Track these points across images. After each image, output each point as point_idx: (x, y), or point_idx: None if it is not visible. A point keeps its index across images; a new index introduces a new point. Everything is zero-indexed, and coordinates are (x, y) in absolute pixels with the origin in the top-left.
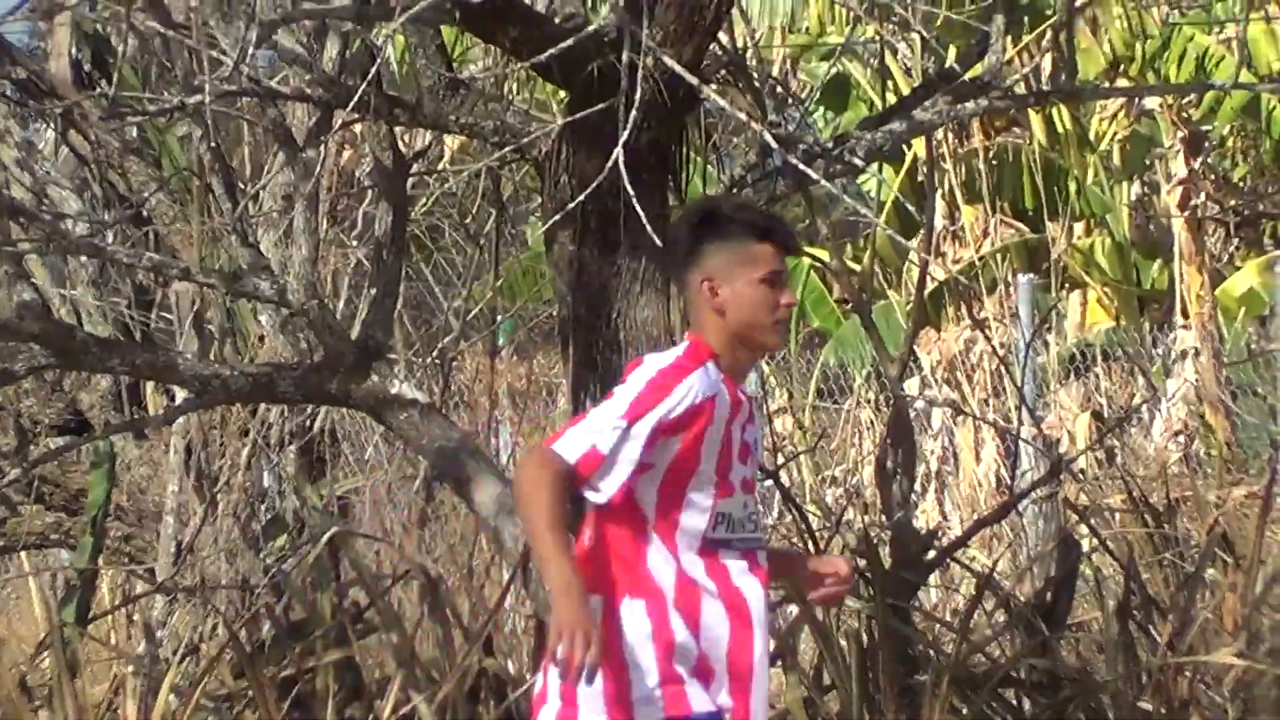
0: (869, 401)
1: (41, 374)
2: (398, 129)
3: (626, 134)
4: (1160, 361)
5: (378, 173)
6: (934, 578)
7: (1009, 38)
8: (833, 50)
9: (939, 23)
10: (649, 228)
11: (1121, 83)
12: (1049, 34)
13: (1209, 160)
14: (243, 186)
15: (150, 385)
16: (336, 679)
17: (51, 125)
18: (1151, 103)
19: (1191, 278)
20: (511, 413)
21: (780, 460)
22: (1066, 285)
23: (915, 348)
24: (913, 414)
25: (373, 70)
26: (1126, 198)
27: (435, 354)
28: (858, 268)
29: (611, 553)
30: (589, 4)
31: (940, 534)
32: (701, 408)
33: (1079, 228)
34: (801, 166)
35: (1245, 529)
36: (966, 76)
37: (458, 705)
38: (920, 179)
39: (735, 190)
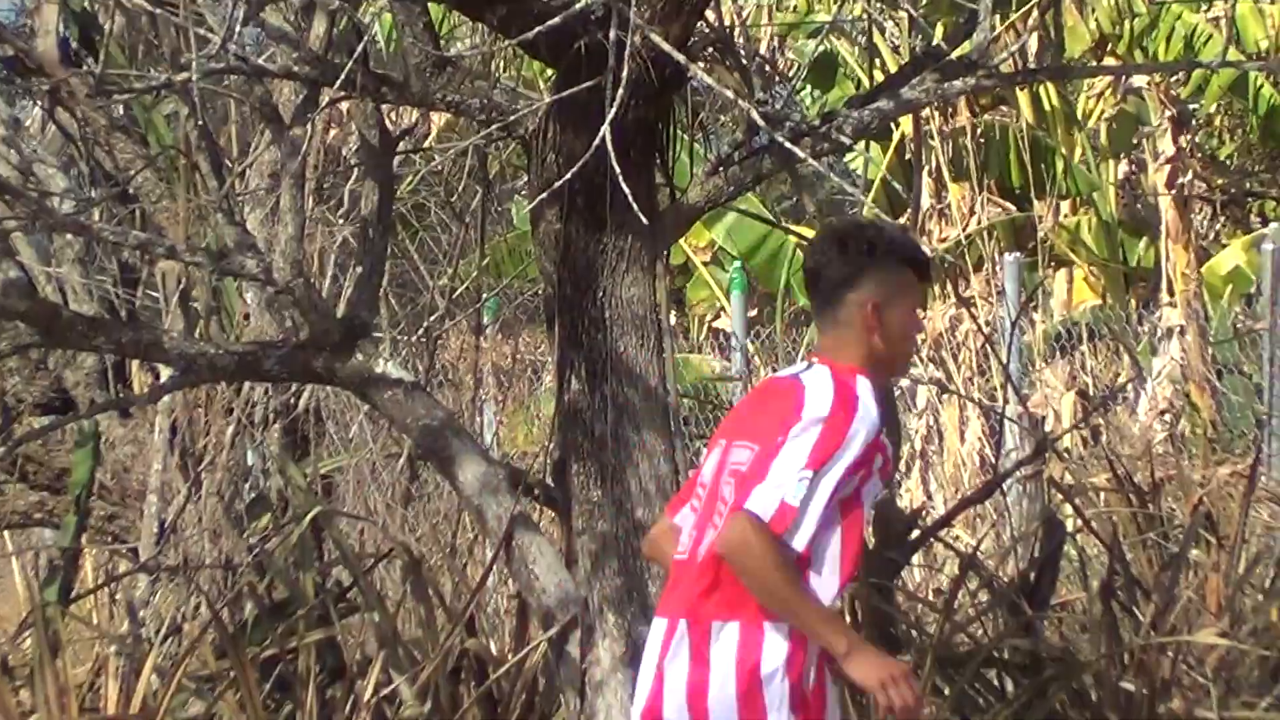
0: None
1: (26, 352)
2: (384, 107)
3: (614, 112)
4: (1146, 340)
5: (364, 151)
6: (917, 557)
7: (997, 16)
8: (820, 28)
9: (926, 1)
10: (635, 206)
11: (1109, 61)
12: (1036, 12)
13: (1196, 139)
14: (229, 164)
15: (135, 364)
16: (318, 659)
17: (38, 102)
18: (1139, 81)
19: (1178, 256)
20: (496, 391)
21: None
22: (1053, 263)
23: None
24: (898, 392)
25: (360, 48)
26: (1113, 176)
27: (420, 332)
28: None
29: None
30: None
31: (924, 513)
32: (877, 444)
33: (1065, 206)
34: (788, 145)
35: (1229, 509)
36: (954, 55)
37: (439, 685)
38: (907, 157)
39: (721, 168)
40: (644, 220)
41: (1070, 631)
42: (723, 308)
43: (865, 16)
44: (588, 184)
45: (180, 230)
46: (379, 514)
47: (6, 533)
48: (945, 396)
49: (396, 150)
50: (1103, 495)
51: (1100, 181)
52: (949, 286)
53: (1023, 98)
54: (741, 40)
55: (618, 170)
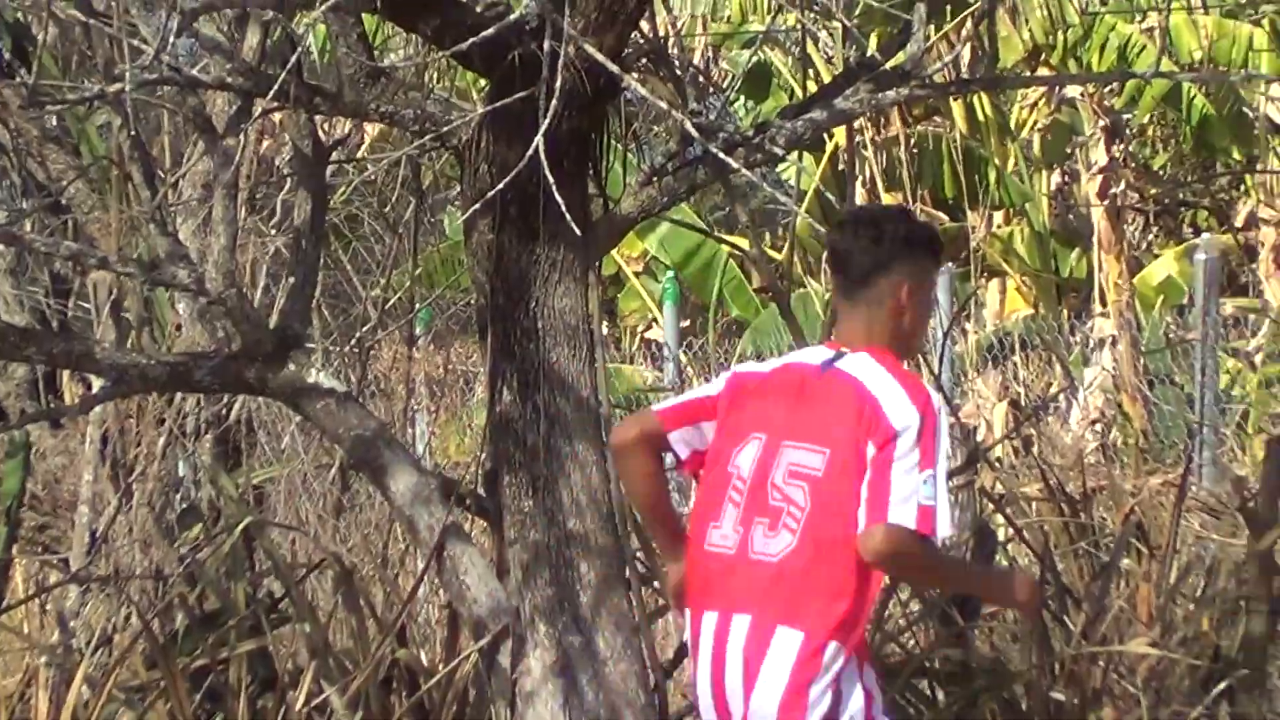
0: None
1: None
2: (318, 117)
3: (547, 123)
4: (1078, 350)
5: (297, 161)
6: None
7: (930, 26)
8: (754, 39)
9: (860, 11)
10: (568, 216)
11: (1042, 71)
12: (970, 23)
13: (1129, 149)
14: (162, 175)
15: (66, 374)
16: (250, 669)
17: None
18: (1072, 91)
19: (1110, 266)
20: (428, 402)
21: None
22: (985, 273)
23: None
24: None
25: (293, 59)
26: (1046, 186)
27: (353, 343)
28: (777, 256)
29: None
30: None
31: None
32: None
33: (998, 216)
34: (722, 155)
35: (1160, 518)
36: (888, 65)
37: (371, 695)
38: (841, 167)
39: (655, 179)
40: (577, 231)
41: (1001, 641)
42: (655, 318)
43: (799, 27)
44: (521, 194)
45: (112, 241)
46: (311, 524)
47: None
48: None
49: (329, 161)
50: (1034, 505)
51: (1033, 192)
52: None
53: (956, 108)
54: (675, 51)
55: (551, 181)
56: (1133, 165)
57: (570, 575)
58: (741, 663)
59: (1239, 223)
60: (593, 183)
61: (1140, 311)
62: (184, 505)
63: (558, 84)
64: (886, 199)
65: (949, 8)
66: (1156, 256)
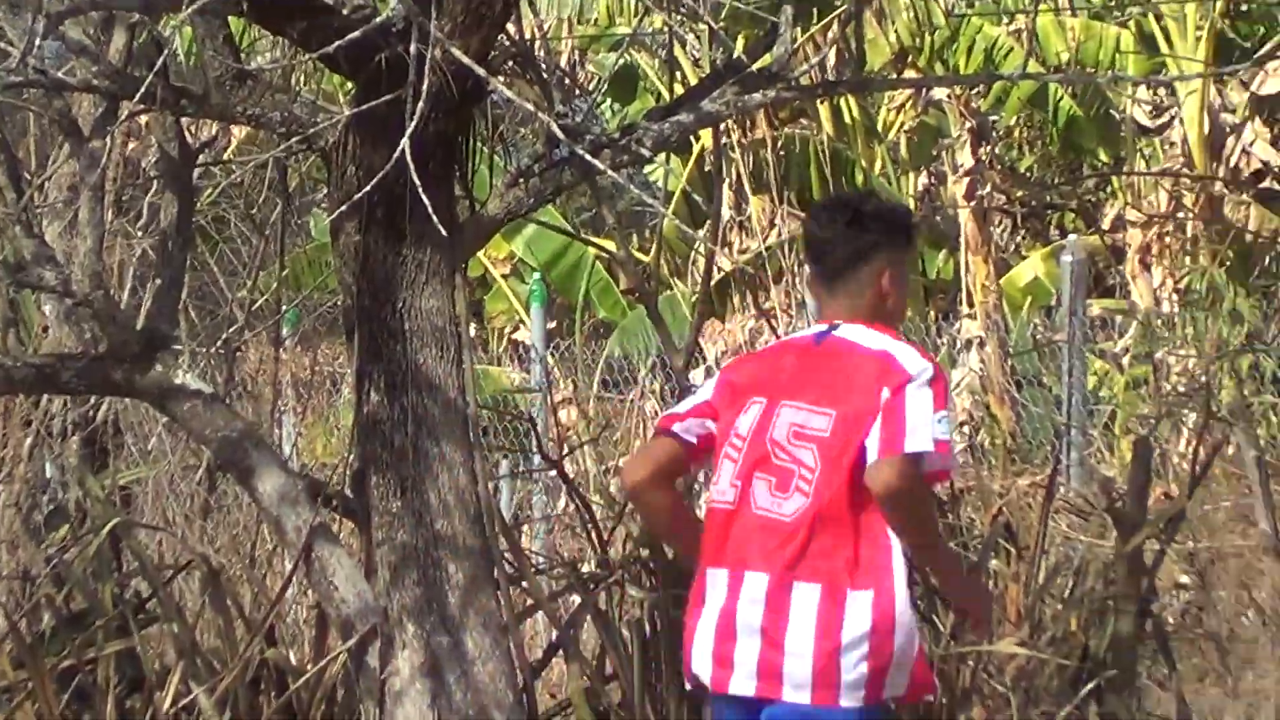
0: (654, 392)
1: None
2: (184, 120)
3: (413, 125)
4: (945, 351)
5: (164, 163)
6: None
7: (797, 28)
8: (621, 41)
9: (727, 13)
10: (435, 218)
11: (909, 73)
12: (836, 25)
13: (996, 151)
14: (28, 177)
15: None
16: (117, 670)
17: None
18: (939, 93)
19: (977, 267)
20: (295, 403)
21: (564, 450)
22: None
23: (701, 338)
24: None
25: (160, 61)
26: (913, 188)
27: (219, 344)
28: (644, 258)
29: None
30: None
31: None
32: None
33: None
34: (588, 157)
35: (1028, 519)
36: (754, 67)
37: (239, 696)
38: (708, 169)
39: (521, 180)
40: (443, 232)
41: None
42: (522, 320)
43: (665, 29)
44: (387, 196)
45: None
46: (178, 525)
47: None
48: None
49: (196, 163)
50: None
51: (900, 194)
52: (749, 298)
53: (823, 110)
54: (542, 53)
55: (417, 183)
56: (999, 167)
57: (438, 576)
58: (760, 622)
59: (1106, 224)
60: (459, 185)
61: (1007, 313)
62: (51, 506)
63: (424, 86)
64: (754, 201)
65: (815, 10)
66: (1023, 258)
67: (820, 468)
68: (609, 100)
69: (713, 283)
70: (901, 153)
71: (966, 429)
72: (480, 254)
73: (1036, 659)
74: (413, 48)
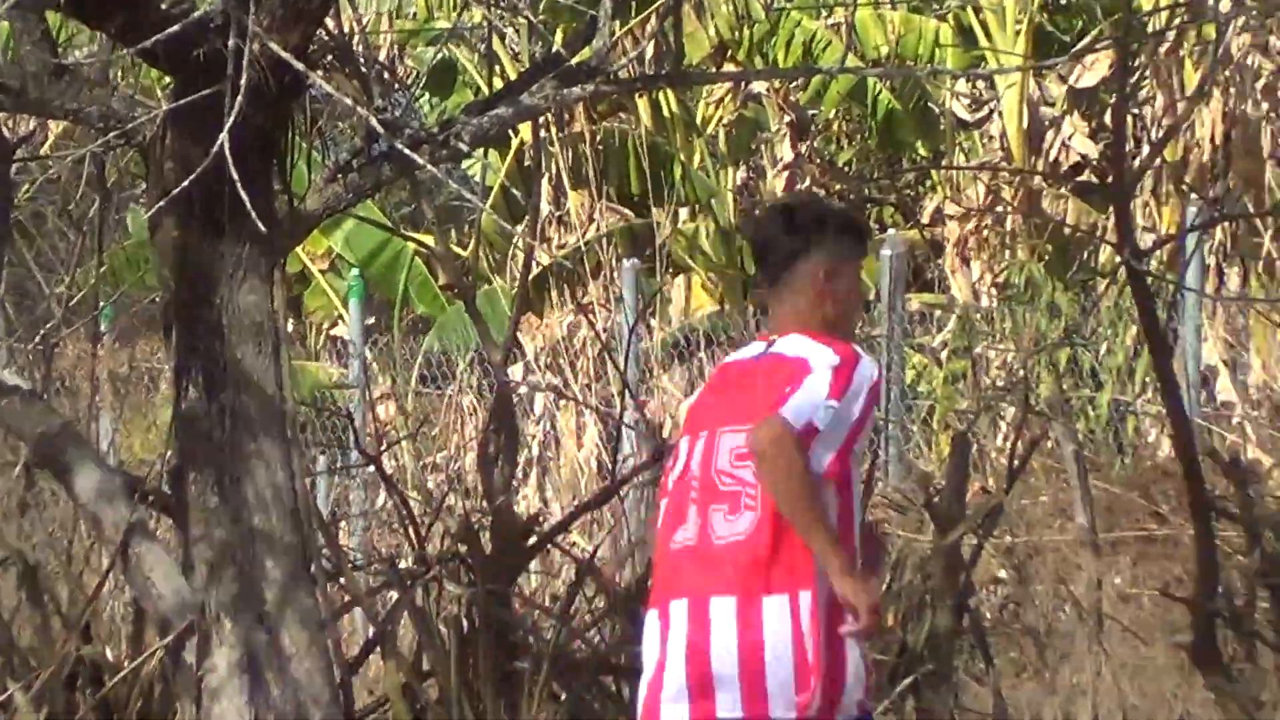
0: (472, 387)
1: None
2: (1, 114)
3: (231, 120)
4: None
5: None
6: (535, 563)
7: (616, 22)
8: (439, 35)
9: (546, 7)
10: (253, 213)
11: (728, 67)
12: (655, 18)
13: (815, 145)
14: None
15: None
16: None
17: None
18: (758, 87)
19: None
20: (113, 399)
21: (382, 446)
22: (671, 270)
23: (519, 333)
24: (515, 399)
25: None
26: (732, 182)
27: (37, 340)
28: (463, 253)
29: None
30: None
31: (541, 519)
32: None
33: (684, 213)
34: (407, 152)
35: None
36: (573, 61)
37: (55, 693)
38: (527, 164)
39: (340, 175)
40: (262, 228)
41: None
42: (340, 315)
43: (484, 24)
44: (206, 192)
45: None
46: None
47: None
48: (563, 403)
49: (13, 158)
50: None
51: (719, 188)
52: (567, 293)
53: (642, 104)
54: (361, 48)
55: (235, 178)
56: (818, 161)
57: (255, 572)
58: (735, 644)
59: (925, 218)
60: (278, 180)
61: None
62: None
63: (242, 81)
64: (572, 195)
65: (634, 4)
66: None
67: (760, 482)
68: (427, 95)
69: (531, 278)
70: (720, 147)
71: None
72: (299, 249)
73: None
74: (231, 42)
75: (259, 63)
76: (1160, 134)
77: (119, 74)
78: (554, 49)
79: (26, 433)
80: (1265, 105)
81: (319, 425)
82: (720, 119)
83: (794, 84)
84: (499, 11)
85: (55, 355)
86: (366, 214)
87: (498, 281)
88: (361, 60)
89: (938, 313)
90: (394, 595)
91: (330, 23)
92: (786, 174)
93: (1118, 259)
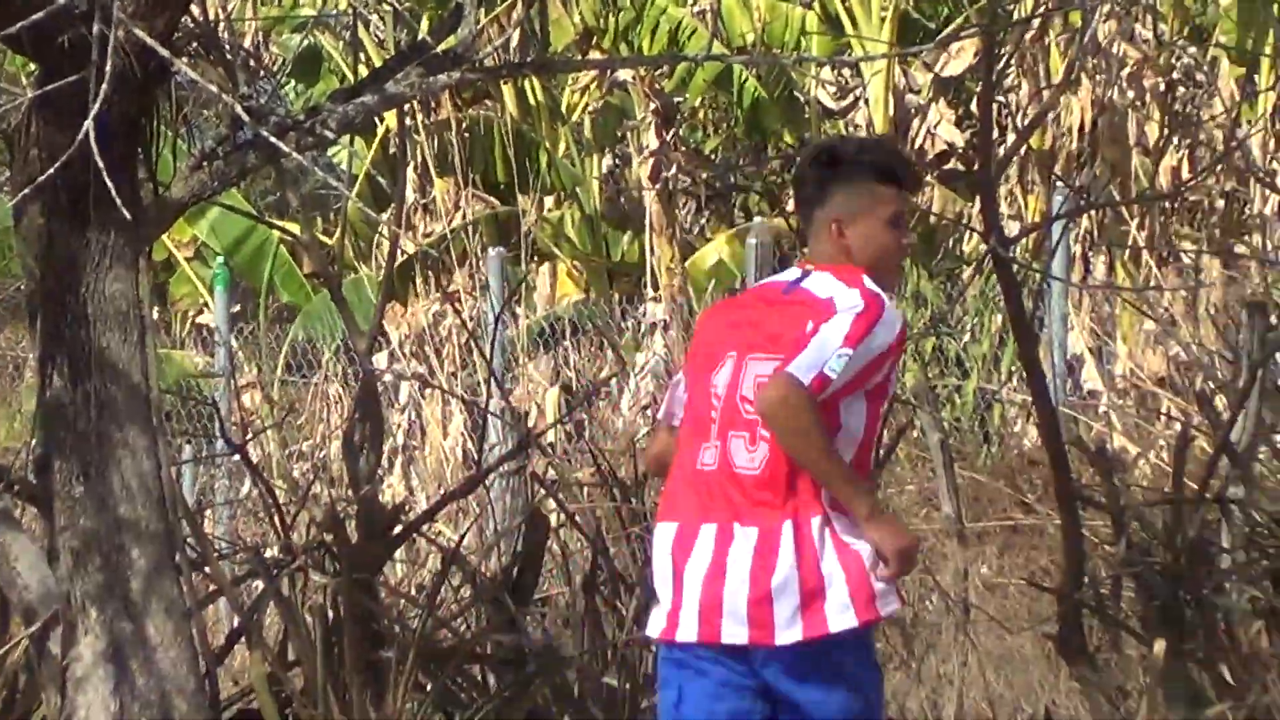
0: (337, 376)
1: None
2: None
3: (96, 107)
4: (630, 334)
5: None
6: (400, 553)
7: (481, 9)
8: (305, 22)
9: None
10: (119, 202)
11: (594, 55)
12: (521, 6)
13: (681, 132)
14: None
15: None
16: None
17: None
18: (624, 75)
19: (662, 250)
20: None
21: (248, 435)
22: (536, 257)
23: (384, 321)
24: (381, 388)
25: None
26: (598, 170)
27: None
28: (329, 241)
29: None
30: None
31: (407, 508)
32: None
33: (550, 200)
34: (273, 139)
35: None
36: (439, 49)
37: None
38: (392, 152)
39: (205, 163)
40: (127, 216)
41: (553, 627)
42: (206, 303)
43: (350, 10)
44: (71, 180)
45: None
46: None
47: None
48: (428, 391)
49: None
50: (586, 490)
51: (584, 176)
52: (433, 281)
53: (507, 92)
54: (226, 34)
55: (101, 166)
56: (684, 149)
57: (121, 561)
58: (749, 575)
59: (790, 206)
60: (143, 168)
61: (692, 295)
62: None
63: (108, 68)
64: (438, 183)
65: None
66: (708, 240)
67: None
68: (293, 82)
69: (396, 266)
70: (586, 134)
71: (650, 412)
72: (164, 237)
73: None
74: (96, 28)
75: (124, 49)
76: (1026, 122)
77: None
78: (420, 36)
79: None
80: (1131, 93)
81: (185, 414)
82: (586, 106)
83: (659, 71)
84: None
85: None
86: (232, 202)
87: (363, 269)
88: (227, 47)
89: None
90: (259, 584)
91: (195, 9)
92: (652, 162)
93: (983, 247)
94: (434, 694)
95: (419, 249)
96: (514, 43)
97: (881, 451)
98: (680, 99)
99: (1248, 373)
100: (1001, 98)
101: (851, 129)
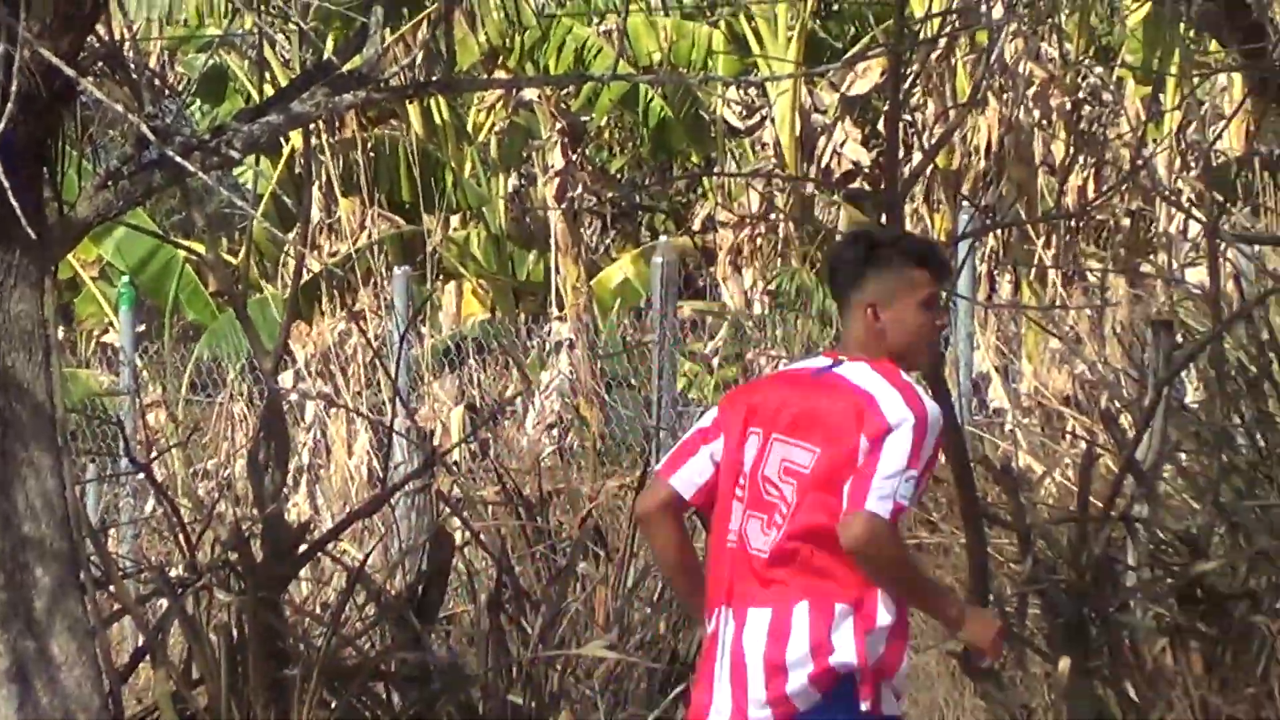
0: (243, 395)
1: None
2: None
3: (1, 126)
4: (535, 353)
5: None
6: (305, 571)
7: (387, 29)
8: (211, 42)
9: (316, 13)
10: (24, 221)
11: (500, 74)
12: (426, 25)
13: (587, 152)
14: None
15: None
16: None
17: None
18: (530, 94)
19: (567, 269)
20: None
21: (153, 454)
22: (442, 277)
23: (290, 340)
24: (286, 407)
25: None
26: (503, 189)
27: None
28: (234, 260)
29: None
30: None
31: (312, 527)
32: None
33: (455, 220)
34: (178, 159)
35: (618, 521)
36: (345, 68)
37: None
38: (298, 171)
39: (111, 183)
40: (33, 235)
41: (458, 644)
42: (111, 322)
43: (255, 30)
44: None
45: None
46: None
47: None
48: (334, 410)
49: None
50: (491, 508)
51: (490, 195)
52: (338, 301)
53: (413, 111)
54: (131, 54)
55: (6, 185)
56: (590, 168)
57: (25, 579)
58: (763, 654)
59: (696, 225)
60: (48, 187)
61: (598, 314)
62: None
63: (13, 88)
64: (344, 203)
65: (405, 10)
66: (614, 259)
67: (795, 504)
68: (199, 102)
69: (302, 285)
70: (492, 154)
71: (556, 431)
72: (69, 256)
73: (625, 662)
74: (0, 48)
75: (29, 69)
76: (932, 141)
77: None
78: (325, 56)
79: None
80: (1038, 113)
81: (89, 433)
82: (492, 126)
83: (566, 91)
84: (270, 18)
85: None
86: (137, 221)
87: (269, 289)
88: (132, 67)
89: (709, 320)
90: (164, 603)
91: (101, 29)
92: (558, 181)
93: None
94: (338, 712)
95: (324, 268)
96: (420, 62)
97: None
98: (586, 118)
99: (1153, 391)
100: (908, 117)
101: (758, 148)
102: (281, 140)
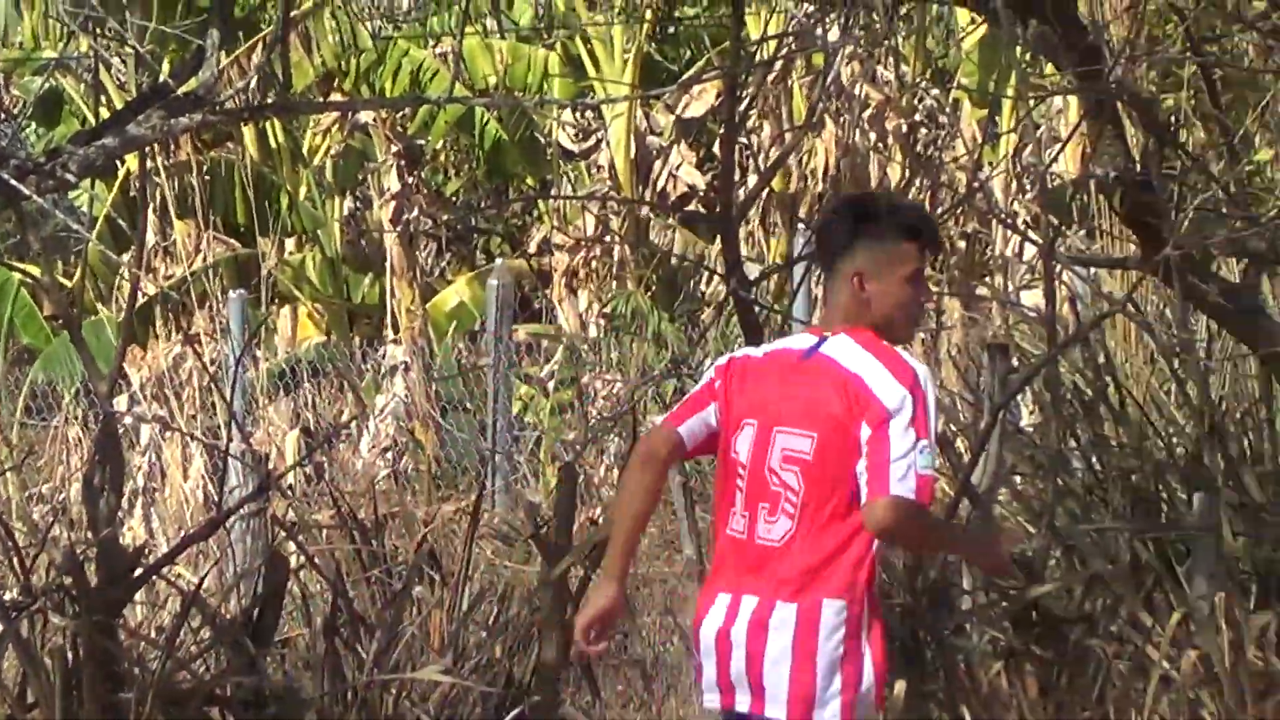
0: (78, 418)
1: None
2: None
3: None
4: (370, 376)
5: None
6: (141, 594)
7: (222, 52)
8: (46, 65)
9: (153, 36)
10: None
11: (335, 97)
12: (262, 48)
13: (423, 175)
14: None
15: None
16: None
17: None
18: (365, 117)
19: (403, 292)
20: None
21: None
22: (277, 300)
23: (125, 364)
24: (121, 430)
25: None
26: (339, 212)
27: None
28: (69, 283)
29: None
30: None
31: (147, 551)
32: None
33: (291, 243)
34: (13, 182)
35: (453, 545)
36: (180, 91)
37: None
38: (133, 194)
39: None
40: None
41: (294, 668)
42: None
43: (91, 53)
44: None
45: None
46: None
47: None
48: (169, 434)
49: None
50: (326, 532)
51: (325, 218)
52: (173, 324)
53: (248, 134)
54: None
55: None
56: (426, 191)
57: None
58: (745, 642)
59: (532, 248)
60: None
61: (433, 338)
62: None
63: None
64: (179, 225)
65: (241, 33)
66: (449, 282)
67: (803, 490)
68: (34, 124)
69: (137, 309)
70: (328, 177)
71: (391, 455)
72: None
73: (460, 686)
74: None
75: None
76: (768, 164)
77: None
78: (161, 79)
79: None
80: (874, 135)
81: None
82: (327, 149)
83: (401, 114)
84: (106, 41)
85: None
86: None
87: (104, 312)
88: None
89: (545, 343)
90: None
91: None
92: (393, 204)
93: (725, 289)
94: None
95: (159, 291)
96: (255, 85)
97: None
98: (422, 141)
99: (989, 415)
100: (744, 140)
101: (594, 171)
102: (117, 163)
